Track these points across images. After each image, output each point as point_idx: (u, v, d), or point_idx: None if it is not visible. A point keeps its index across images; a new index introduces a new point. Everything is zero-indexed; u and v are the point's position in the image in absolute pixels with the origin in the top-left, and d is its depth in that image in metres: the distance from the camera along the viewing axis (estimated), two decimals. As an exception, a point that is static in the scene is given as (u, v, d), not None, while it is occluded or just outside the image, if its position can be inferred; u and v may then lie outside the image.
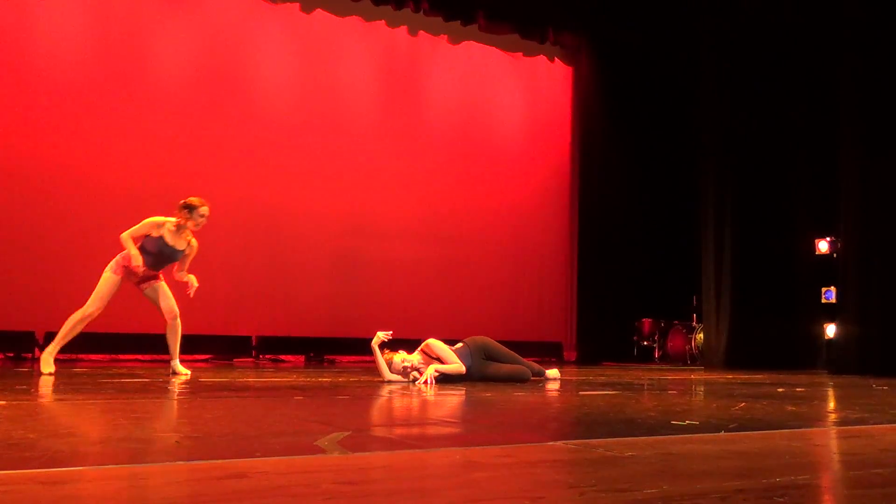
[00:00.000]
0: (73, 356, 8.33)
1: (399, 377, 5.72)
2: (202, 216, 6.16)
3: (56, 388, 4.69)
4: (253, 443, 2.60)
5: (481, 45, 11.19)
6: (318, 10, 10.09)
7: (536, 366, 6.43)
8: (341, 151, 10.08)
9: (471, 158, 10.97)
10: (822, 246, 9.48)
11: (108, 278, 6.08)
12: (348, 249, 10.02)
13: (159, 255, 6.12)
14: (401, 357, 5.73)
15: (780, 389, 5.63)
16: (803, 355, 9.44)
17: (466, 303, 10.55)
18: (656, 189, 11.68)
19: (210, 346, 9.12)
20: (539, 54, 11.68)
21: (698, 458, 2.51)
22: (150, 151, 8.95)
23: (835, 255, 9.29)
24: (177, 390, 4.75)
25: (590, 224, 11.57)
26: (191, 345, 9.04)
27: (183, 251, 6.21)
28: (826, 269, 9.38)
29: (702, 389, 5.88)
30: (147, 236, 6.09)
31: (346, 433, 2.81)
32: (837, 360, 8.82)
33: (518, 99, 11.57)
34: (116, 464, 2.12)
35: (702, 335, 10.61)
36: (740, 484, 2.01)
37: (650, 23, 11.46)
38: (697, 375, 7.99)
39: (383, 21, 10.49)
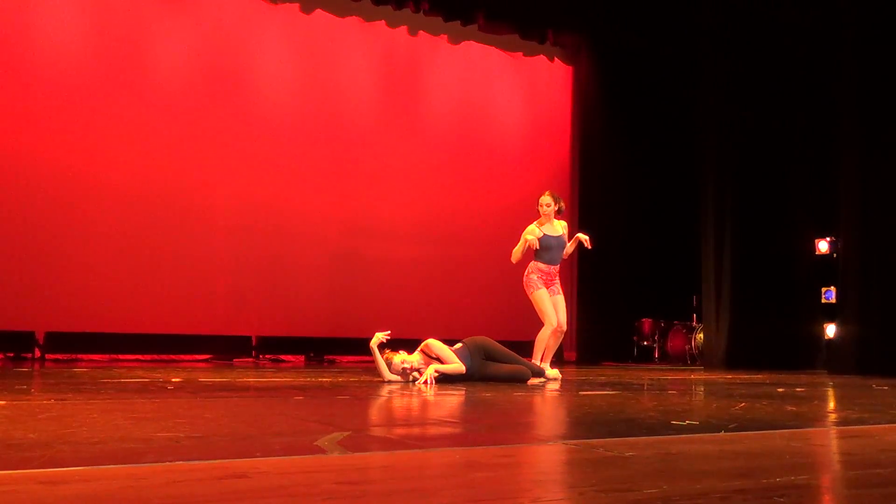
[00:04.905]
0: (73, 356, 8.34)
1: (399, 377, 5.72)
2: (541, 204, 6.82)
3: (56, 388, 4.69)
4: (253, 443, 2.60)
5: (481, 45, 11.19)
6: (318, 10, 10.08)
7: (536, 366, 6.43)
8: (341, 151, 10.08)
9: (471, 158, 10.97)
10: (822, 246, 9.47)
11: (539, 295, 6.69)
12: (348, 249, 10.02)
13: (550, 249, 6.76)
14: (401, 358, 5.73)
15: (780, 389, 5.63)
16: (803, 355, 9.44)
17: (466, 303, 10.54)
18: (656, 189, 11.67)
19: (210, 346, 9.12)
20: (539, 54, 11.67)
21: (698, 458, 2.51)
22: (151, 151, 8.95)
23: (835, 255, 9.29)
24: (177, 390, 4.75)
25: (590, 224, 11.53)
26: (191, 345, 9.08)
27: (562, 234, 6.87)
28: (826, 269, 9.37)
29: (702, 389, 5.88)
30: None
31: (346, 433, 2.81)
32: (837, 360, 8.82)
33: (518, 99, 11.57)
34: (116, 464, 2.12)
35: (702, 335, 10.60)
36: (740, 484, 2.01)
37: (650, 23, 11.45)
38: (697, 375, 7.99)
39: (383, 21, 10.48)
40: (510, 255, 6.84)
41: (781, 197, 9.75)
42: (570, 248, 6.95)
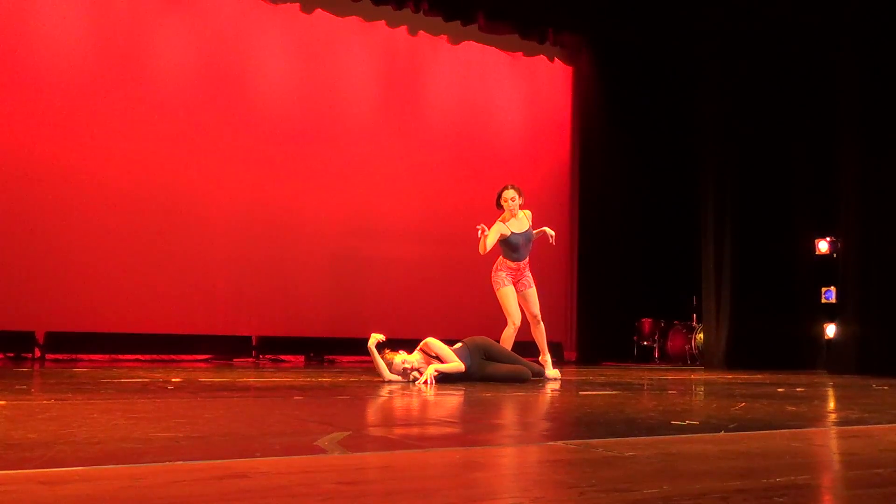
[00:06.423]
0: (73, 356, 8.34)
1: (399, 377, 5.72)
2: (506, 199, 6.67)
3: (56, 388, 4.69)
4: (253, 443, 2.60)
5: (481, 45, 11.18)
6: (318, 10, 10.08)
7: (536, 366, 6.43)
8: (341, 151, 10.08)
9: (471, 158, 10.97)
10: (822, 246, 9.47)
11: (505, 293, 6.64)
12: (348, 249, 10.02)
13: (520, 245, 6.68)
14: (401, 358, 5.73)
15: (780, 389, 5.63)
16: (803, 355, 9.44)
17: (466, 303, 10.53)
18: (656, 189, 11.67)
19: (210, 346, 9.12)
20: (539, 54, 11.67)
21: (698, 458, 2.51)
22: (151, 151, 8.95)
23: (835, 255, 9.29)
24: (177, 390, 4.75)
25: (590, 224, 11.56)
26: (191, 345, 9.08)
27: (528, 228, 6.75)
28: (826, 269, 9.37)
29: (702, 389, 5.88)
30: (504, 240, 6.64)
31: (346, 433, 2.81)
32: (837, 360, 8.82)
33: (518, 99, 11.57)
34: (116, 464, 2.12)
35: (702, 335, 10.60)
36: (740, 484, 2.01)
37: (650, 23, 11.44)
38: (697, 375, 7.99)
39: (383, 21, 10.48)
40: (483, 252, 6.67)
41: (781, 197, 9.75)
42: (535, 234, 6.82)
